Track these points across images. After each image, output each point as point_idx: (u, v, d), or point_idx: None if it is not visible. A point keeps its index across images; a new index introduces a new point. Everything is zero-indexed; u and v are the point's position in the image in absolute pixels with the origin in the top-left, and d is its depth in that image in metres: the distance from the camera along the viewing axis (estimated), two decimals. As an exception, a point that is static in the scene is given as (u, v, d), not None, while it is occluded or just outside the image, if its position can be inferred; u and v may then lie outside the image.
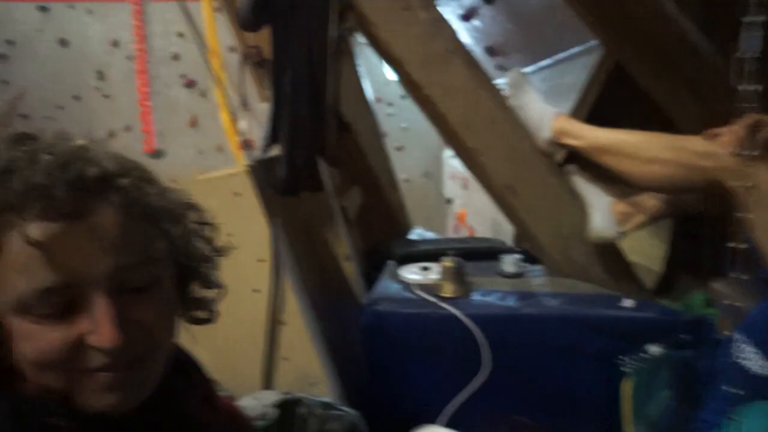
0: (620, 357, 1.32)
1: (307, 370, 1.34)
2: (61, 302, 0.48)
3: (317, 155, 1.63)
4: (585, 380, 1.39)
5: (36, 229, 0.47)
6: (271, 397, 1.09)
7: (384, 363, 1.55)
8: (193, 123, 4.35)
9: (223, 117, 3.29)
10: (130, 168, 0.55)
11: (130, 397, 0.52)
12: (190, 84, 4.27)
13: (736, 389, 0.94)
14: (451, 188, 3.80)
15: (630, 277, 1.59)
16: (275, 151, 1.64)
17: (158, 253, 0.54)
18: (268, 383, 1.32)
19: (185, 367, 0.64)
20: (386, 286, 1.68)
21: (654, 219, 1.42)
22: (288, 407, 1.07)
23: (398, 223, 2.60)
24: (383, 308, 1.55)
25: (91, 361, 0.49)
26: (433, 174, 4.33)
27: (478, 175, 1.67)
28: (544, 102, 1.53)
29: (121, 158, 0.55)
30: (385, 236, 2.34)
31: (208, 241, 0.64)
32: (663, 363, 1.27)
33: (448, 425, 1.28)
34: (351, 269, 1.87)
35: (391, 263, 1.89)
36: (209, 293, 0.65)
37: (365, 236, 2.20)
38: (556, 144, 1.50)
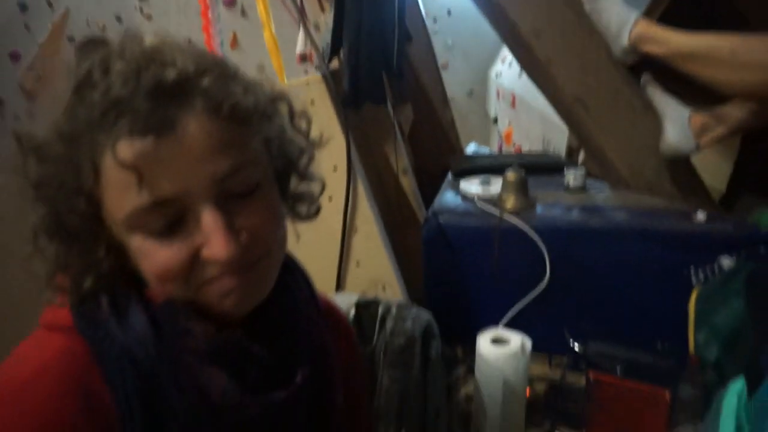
0: (691, 270, 1.32)
1: (378, 274, 1.39)
2: (169, 218, 0.47)
3: (381, 67, 1.59)
4: (652, 293, 1.40)
5: (126, 150, 0.45)
6: (348, 298, 1.13)
7: (446, 273, 1.59)
8: (234, 43, 4.28)
9: (266, 35, 3.22)
10: (210, 65, 0.50)
11: (248, 299, 0.52)
12: (230, 3, 4.17)
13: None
14: (496, 107, 3.70)
15: (700, 192, 1.55)
16: (337, 63, 1.61)
17: (254, 154, 0.52)
18: (340, 287, 1.38)
19: (289, 265, 0.64)
20: (447, 198, 1.69)
21: (737, 131, 1.35)
22: (365, 307, 1.12)
23: (450, 141, 2.57)
24: (445, 221, 1.57)
25: (208, 272, 0.49)
26: (478, 93, 4.21)
27: (546, 87, 1.61)
28: (623, 5, 1.44)
29: (197, 54, 0.50)
30: (436, 154, 2.32)
31: (303, 132, 0.61)
32: (737, 273, 1.26)
33: (509, 326, 1.32)
34: (408, 184, 1.87)
35: (449, 178, 1.89)
36: (309, 186, 0.64)
37: (416, 153, 2.19)
38: (635, 52, 1.42)
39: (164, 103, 0.46)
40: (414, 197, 1.86)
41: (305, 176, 0.63)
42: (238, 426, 0.51)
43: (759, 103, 1.29)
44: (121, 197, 0.47)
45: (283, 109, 0.59)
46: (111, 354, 0.48)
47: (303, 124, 0.62)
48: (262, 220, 0.51)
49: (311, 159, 0.63)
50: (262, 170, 0.53)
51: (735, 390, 1.07)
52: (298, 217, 0.64)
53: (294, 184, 0.62)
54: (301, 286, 0.65)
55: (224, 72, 0.51)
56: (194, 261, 0.49)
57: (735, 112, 1.33)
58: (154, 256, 0.48)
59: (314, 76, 1.36)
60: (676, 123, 1.42)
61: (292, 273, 0.64)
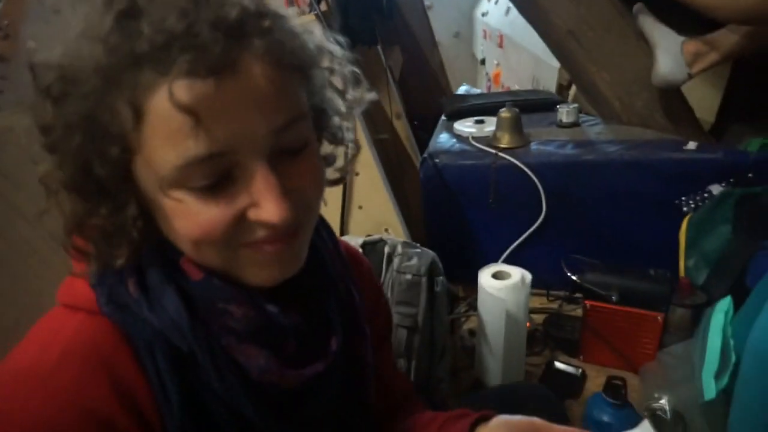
0: (682, 199, 1.36)
1: (381, 217, 1.41)
2: (218, 173, 0.42)
3: (371, 7, 1.56)
4: (645, 223, 1.45)
5: (183, 91, 0.39)
6: (353, 241, 1.16)
7: (445, 214, 1.62)
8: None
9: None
10: (266, 6, 0.44)
11: (289, 268, 0.49)
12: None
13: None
14: (484, 48, 3.64)
15: (691, 123, 1.57)
16: (325, 5, 1.57)
17: (306, 107, 0.47)
18: (344, 231, 1.41)
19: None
20: (442, 140, 1.70)
21: (730, 56, 1.36)
22: (372, 247, 1.15)
23: (440, 84, 2.55)
24: (442, 162, 1.59)
25: (254, 235, 0.45)
26: (465, 35, 4.12)
27: (538, 21, 1.60)
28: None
29: None
30: (427, 97, 2.31)
31: (342, 91, 0.54)
32: (725, 199, 1.31)
33: (508, 262, 1.36)
34: (402, 128, 1.87)
35: (443, 119, 1.89)
36: (340, 149, 0.57)
37: (408, 98, 2.18)
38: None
39: (227, 41, 0.40)
40: (408, 141, 1.87)
41: (339, 139, 0.56)
42: (279, 399, 0.50)
43: (752, 28, 1.29)
44: (170, 146, 0.40)
45: (327, 62, 0.52)
46: (142, 337, 0.45)
47: (346, 81, 0.54)
48: (309, 183, 0.46)
49: (349, 121, 0.56)
50: (311, 127, 0.48)
51: (722, 308, 1.13)
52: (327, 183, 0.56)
53: (325, 145, 0.56)
54: (327, 243, 0.60)
55: (280, 15, 0.45)
56: (240, 221, 0.44)
57: (728, 38, 1.33)
58: (196, 216, 0.43)
59: (308, 16, 1.33)
60: (669, 51, 1.42)
61: (317, 229, 0.58)
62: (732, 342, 1.05)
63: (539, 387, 0.84)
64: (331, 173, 0.57)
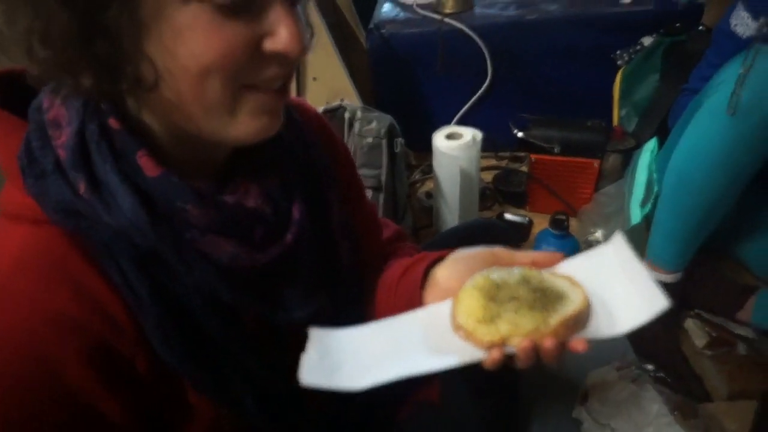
0: (617, 52, 1.44)
1: (336, 87, 1.43)
2: None
3: None
4: (583, 77, 1.54)
5: None
6: (317, 107, 1.19)
7: (395, 83, 1.65)
8: None
9: None
10: None
11: (276, 123, 0.47)
12: None
13: (723, 57, 1.07)
14: None
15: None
16: None
17: None
18: (299, 104, 1.42)
19: None
20: (386, 10, 1.68)
21: None
22: (332, 113, 1.18)
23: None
24: (388, 31, 1.58)
25: (262, 73, 0.42)
26: None
27: None
28: None
29: None
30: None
31: None
32: (655, 49, 1.40)
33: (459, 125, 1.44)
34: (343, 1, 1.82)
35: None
36: None
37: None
38: None
39: None
40: (351, 14, 1.82)
41: None
42: (252, 277, 0.49)
43: None
44: None
45: None
46: (99, 241, 0.43)
47: None
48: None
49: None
50: None
51: (648, 147, 1.27)
52: None
53: None
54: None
55: None
56: (253, 53, 0.41)
57: None
58: (216, 33, 0.39)
59: None
60: None
61: None
62: (656, 176, 1.20)
63: (492, 221, 0.89)
64: None
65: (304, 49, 0.42)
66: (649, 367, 1.00)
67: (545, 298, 0.46)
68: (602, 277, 0.49)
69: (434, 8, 1.61)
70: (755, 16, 1.03)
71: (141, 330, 0.44)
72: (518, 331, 0.44)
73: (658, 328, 1.09)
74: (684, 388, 1.00)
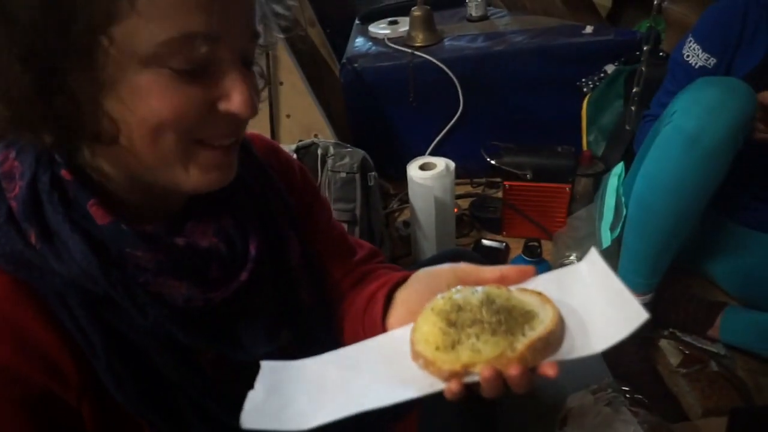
0: (582, 80, 1.50)
1: (309, 123, 1.46)
2: (199, 61, 0.41)
3: None
4: (551, 105, 1.59)
5: None
6: (287, 146, 1.21)
7: (369, 116, 1.69)
8: None
9: None
10: None
11: (227, 175, 0.48)
12: None
13: (678, 85, 1.12)
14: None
15: (589, 9, 1.68)
16: None
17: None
18: (275, 140, 1.44)
19: None
20: (359, 44, 1.72)
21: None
22: (305, 150, 1.20)
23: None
24: (360, 65, 1.63)
25: (214, 129, 0.45)
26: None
27: None
28: None
29: None
30: (336, 1, 2.27)
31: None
32: (617, 77, 1.45)
33: (433, 155, 1.47)
34: (317, 35, 1.86)
35: (357, 23, 1.90)
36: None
37: (318, 3, 2.14)
38: None
39: None
40: (325, 48, 1.87)
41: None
42: (208, 316, 0.49)
43: None
44: (160, 21, 0.38)
45: None
46: (51, 290, 0.43)
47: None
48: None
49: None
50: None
51: (615, 172, 1.31)
52: None
53: None
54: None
55: None
56: (211, 111, 0.44)
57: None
58: (173, 94, 0.41)
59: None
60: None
61: None
62: (623, 199, 1.23)
63: (464, 250, 0.88)
64: None
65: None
66: (625, 388, 1.02)
67: (511, 319, 0.42)
68: (576, 293, 0.45)
69: (405, 42, 1.66)
70: (704, 48, 1.09)
71: (91, 376, 0.44)
72: (481, 358, 0.40)
73: (633, 350, 1.11)
74: (660, 407, 1.02)
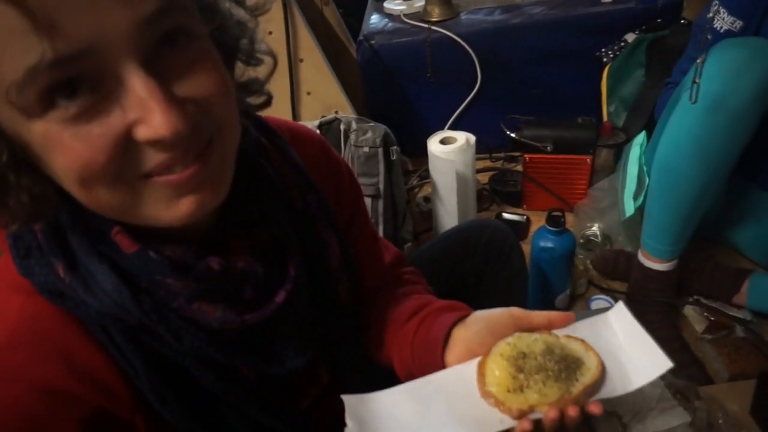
0: (602, 50, 1.48)
1: (329, 100, 1.47)
2: (80, 88, 0.33)
3: None
4: (571, 76, 1.58)
5: None
6: (310, 123, 1.22)
7: (387, 92, 1.69)
8: None
9: None
10: None
11: (210, 196, 0.40)
12: None
13: (701, 51, 1.10)
14: None
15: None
16: None
17: (187, 2, 0.37)
18: (296, 118, 1.46)
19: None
20: (374, 21, 1.72)
21: None
22: (328, 126, 1.22)
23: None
24: (377, 42, 1.62)
25: (150, 161, 0.36)
26: None
27: None
28: None
29: None
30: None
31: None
32: (638, 45, 1.44)
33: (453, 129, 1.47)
34: (332, 14, 1.86)
35: (371, 0, 1.89)
36: (258, 71, 0.49)
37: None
38: None
39: None
40: (340, 27, 1.86)
41: (252, 58, 0.48)
42: (246, 336, 0.48)
43: None
44: (4, 54, 0.31)
45: None
46: (88, 317, 0.42)
47: None
48: (208, 85, 0.38)
49: (255, 35, 0.48)
50: (198, 24, 0.38)
51: (637, 142, 1.30)
52: (250, 108, 0.51)
53: (240, 71, 0.48)
54: (268, 151, 0.54)
55: None
56: (127, 146, 0.35)
57: None
58: (70, 148, 0.34)
59: None
60: None
61: (252, 137, 0.53)
62: (645, 168, 1.23)
63: (490, 220, 0.89)
64: (256, 99, 0.51)
65: (178, 128, 0.34)
66: (651, 354, 1.03)
67: (567, 368, 0.50)
68: (611, 341, 0.53)
69: (421, 17, 1.65)
70: (731, 11, 1.07)
71: (139, 392, 0.44)
72: (546, 400, 0.48)
73: (657, 318, 1.11)
74: (686, 374, 1.03)
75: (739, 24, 1.05)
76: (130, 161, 0.36)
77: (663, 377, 0.95)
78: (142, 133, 0.35)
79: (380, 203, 1.20)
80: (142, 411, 0.45)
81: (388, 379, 0.54)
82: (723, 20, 1.09)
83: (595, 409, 0.49)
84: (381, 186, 1.20)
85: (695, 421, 0.89)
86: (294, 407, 0.50)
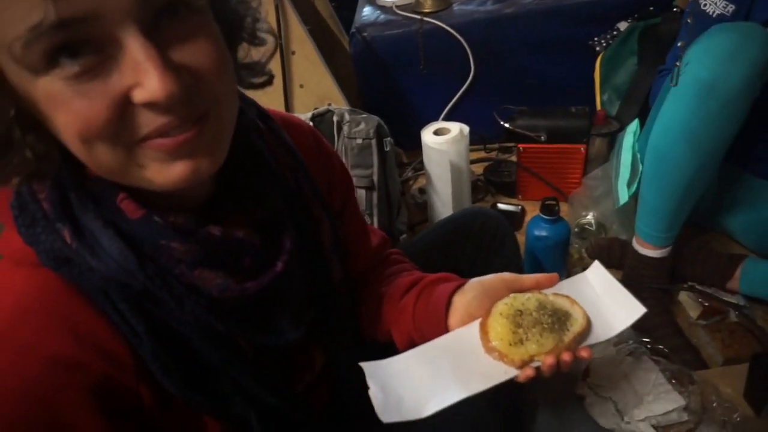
0: (594, 38, 1.48)
1: (322, 92, 1.46)
2: (82, 50, 0.35)
3: None
4: (563, 66, 1.58)
5: None
6: (303, 115, 1.22)
7: (380, 84, 1.69)
8: None
9: None
10: None
11: (205, 161, 0.42)
12: None
13: (693, 37, 1.10)
14: None
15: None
16: None
17: None
18: (289, 110, 1.45)
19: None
20: (366, 13, 1.71)
21: None
22: (321, 118, 1.21)
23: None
24: (370, 34, 1.62)
25: (147, 125, 0.38)
26: None
27: None
28: None
29: None
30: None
31: None
32: (631, 33, 1.44)
33: (447, 120, 1.47)
34: (324, 7, 1.85)
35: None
36: (258, 52, 0.52)
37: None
38: None
39: None
40: (332, 20, 1.86)
41: (255, 40, 0.50)
42: (244, 305, 0.50)
43: None
44: (10, 13, 0.33)
45: None
46: (93, 285, 0.43)
47: None
48: (205, 57, 0.39)
49: (259, 15, 0.50)
50: None
51: (631, 129, 1.30)
52: (251, 87, 0.53)
53: (243, 51, 0.50)
54: (263, 132, 0.56)
55: None
56: (126, 109, 0.37)
57: None
58: (73, 103, 0.36)
59: None
60: None
61: (249, 119, 0.55)
62: (639, 156, 1.23)
63: (484, 209, 0.90)
64: (258, 78, 0.53)
65: (173, 92, 0.36)
66: (646, 340, 1.04)
67: (559, 321, 0.57)
68: (591, 295, 0.62)
69: (413, 9, 1.65)
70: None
71: (143, 362, 0.45)
72: (543, 349, 0.55)
73: (652, 304, 1.12)
74: (680, 359, 1.03)
75: (731, 8, 1.05)
76: (129, 124, 0.38)
77: (658, 362, 0.97)
78: (139, 95, 0.36)
79: (374, 195, 1.20)
80: (146, 380, 0.46)
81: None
82: (715, 4, 1.09)
83: (584, 353, 0.56)
84: (375, 177, 1.20)
85: (690, 405, 0.90)
86: (289, 388, 0.51)
